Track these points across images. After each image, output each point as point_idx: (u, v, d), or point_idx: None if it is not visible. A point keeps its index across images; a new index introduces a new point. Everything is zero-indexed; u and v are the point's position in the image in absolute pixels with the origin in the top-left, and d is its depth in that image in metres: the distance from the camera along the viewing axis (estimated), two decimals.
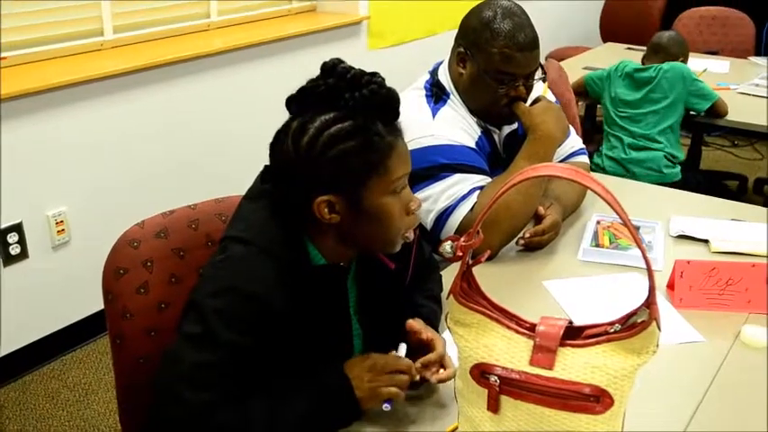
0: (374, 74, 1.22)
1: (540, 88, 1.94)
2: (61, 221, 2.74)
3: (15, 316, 2.68)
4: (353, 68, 1.22)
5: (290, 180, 1.22)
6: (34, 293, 2.73)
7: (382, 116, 1.22)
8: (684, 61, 3.33)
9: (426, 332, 1.33)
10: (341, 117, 1.19)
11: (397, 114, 1.24)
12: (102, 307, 1.38)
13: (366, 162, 1.19)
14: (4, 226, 2.59)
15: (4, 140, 2.53)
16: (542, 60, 1.87)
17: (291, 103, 1.23)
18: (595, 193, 0.97)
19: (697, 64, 3.71)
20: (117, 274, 1.35)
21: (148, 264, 1.38)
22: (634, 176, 3.06)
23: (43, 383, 2.72)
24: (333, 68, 1.21)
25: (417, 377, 1.27)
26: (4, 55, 2.61)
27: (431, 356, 1.30)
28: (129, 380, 1.40)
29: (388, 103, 1.22)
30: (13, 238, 2.62)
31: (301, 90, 1.22)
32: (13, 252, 2.63)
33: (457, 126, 1.86)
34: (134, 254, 1.37)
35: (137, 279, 1.37)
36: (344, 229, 1.24)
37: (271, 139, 1.25)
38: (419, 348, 1.32)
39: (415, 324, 1.33)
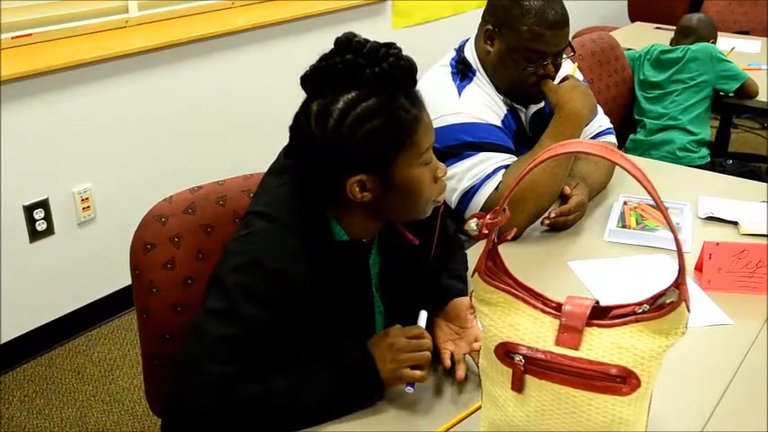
0: (390, 44, 1.20)
1: (568, 67, 1.91)
2: (87, 198, 2.76)
3: (41, 292, 2.72)
4: (368, 41, 1.20)
5: (317, 162, 1.21)
6: (60, 270, 2.76)
7: (404, 88, 1.20)
8: (714, 43, 3.27)
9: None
10: (364, 95, 1.17)
11: (416, 82, 1.23)
12: (126, 284, 1.39)
13: (395, 139, 1.18)
14: (30, 202, 2.62)
15: (29, 117, 2.55)
16: (570, 39, 1.85)
17: (306, 81, 1.20)
18: (625, 169, 0.95)
19: (726, 43, 3.64)
20: (144, 248, 1.36)
21: (176, 239, 1.38)
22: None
23: (69, 359, 2.75)
24: (348, 43, 1.18)
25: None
26: (29, 32, 2.62)
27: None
28: (154, 354, 1.41)
29: (408, 73, 1.20)
30: (39, 214, 2.64)
31: (317, 69, 1.19)
32: (39, 228, 2.65)
33: (482, 104, 1.84)
34: (162, 229, 1.37)
35: (164, 254, 1.37)
36: (376, 204, 1.23)
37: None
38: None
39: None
